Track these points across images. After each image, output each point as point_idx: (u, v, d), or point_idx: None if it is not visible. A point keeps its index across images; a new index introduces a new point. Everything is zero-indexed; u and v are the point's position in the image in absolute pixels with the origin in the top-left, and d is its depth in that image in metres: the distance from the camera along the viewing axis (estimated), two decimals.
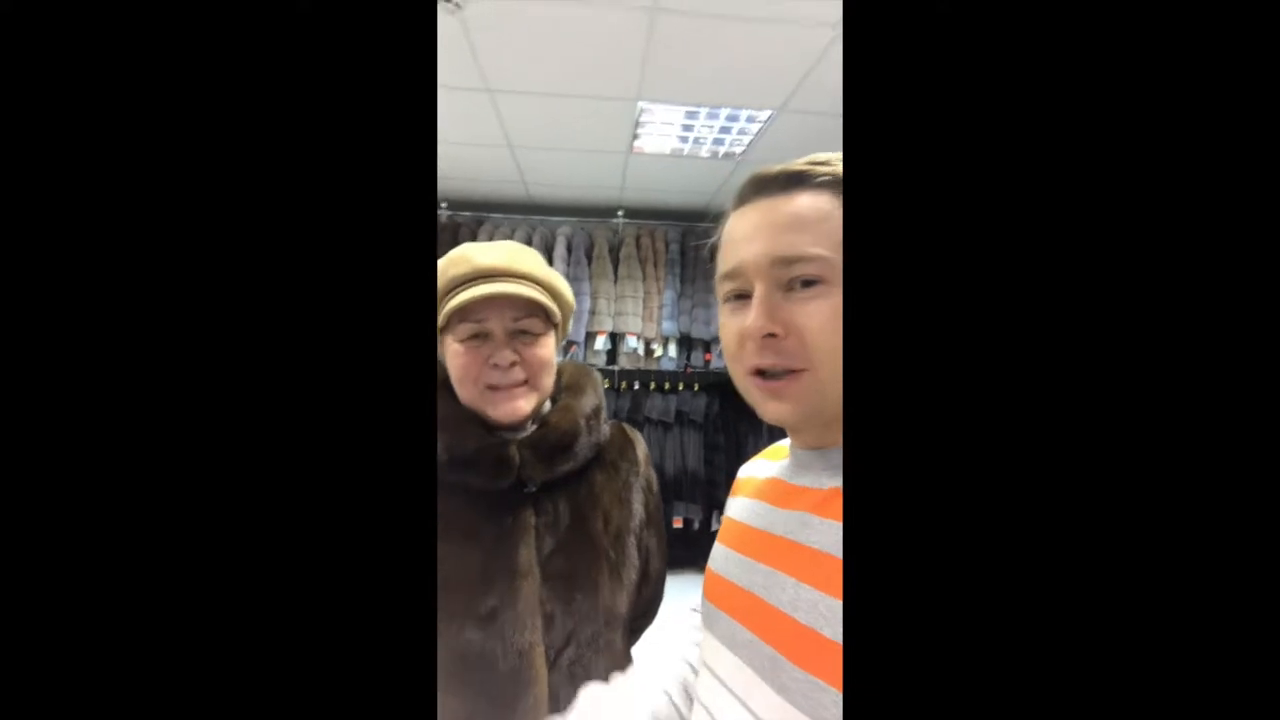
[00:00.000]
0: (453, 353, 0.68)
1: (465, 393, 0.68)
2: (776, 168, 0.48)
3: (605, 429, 0.77)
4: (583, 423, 0.73)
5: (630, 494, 0.76)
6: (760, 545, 0.50)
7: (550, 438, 0.70)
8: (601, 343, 3.47)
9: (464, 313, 0.66)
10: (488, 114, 2.54)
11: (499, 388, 0.67)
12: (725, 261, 0.49)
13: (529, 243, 3.51)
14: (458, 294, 0.66)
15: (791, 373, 0.45)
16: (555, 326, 0.73)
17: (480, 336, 0.67)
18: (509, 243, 0.72)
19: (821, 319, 0.43)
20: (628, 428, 0.82)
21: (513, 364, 0.67)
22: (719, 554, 0.56)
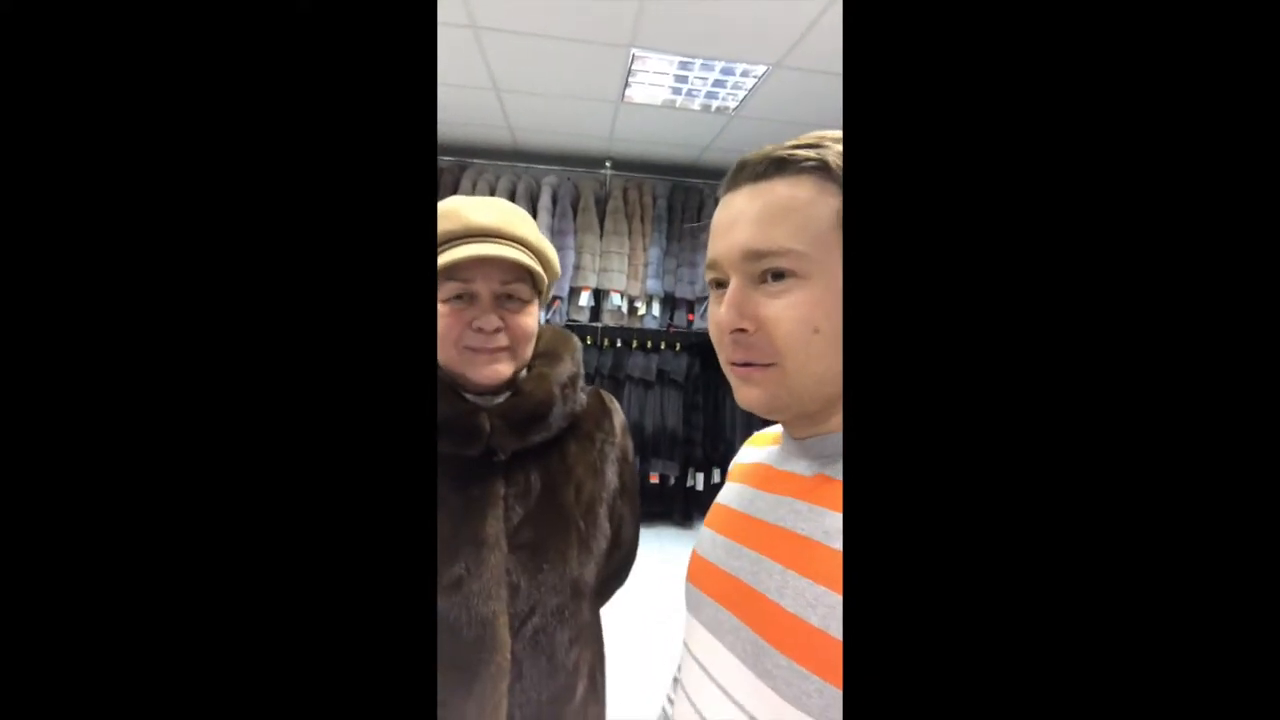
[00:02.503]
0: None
1: (443, 354, 0.66)
2: (762, 152, 0.46)
3: (582, 397, 0.75)
4: (557, 391, 0.71)
5: (604, 464, 0.75)
6: (747, 530, 0.50)
7: (523, 407, 0.68)
8: (585, 298, 3.45)
9: (451, 271, 0.63)
10: (473, 53, 2.42)
11: (480, 350, 0.65)
12: (709, 250, 0.48)
13: (513, 191, 3.43)
14: (446, 251, 0.63)
15: (761, 363, 0.45)
16: (539, 294, 0.71)
17: (465, 298, 0.65)
18: (501, 201, 0.69)
19: (789, 314, 0.43)
20: (606, 396, 0.80)
21: (497, 329, 0.65)
22: (705, 538, 0.56)
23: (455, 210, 0.65)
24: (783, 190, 0.44)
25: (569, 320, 3.48)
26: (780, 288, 0.43)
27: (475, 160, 3.54)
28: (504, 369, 0.67)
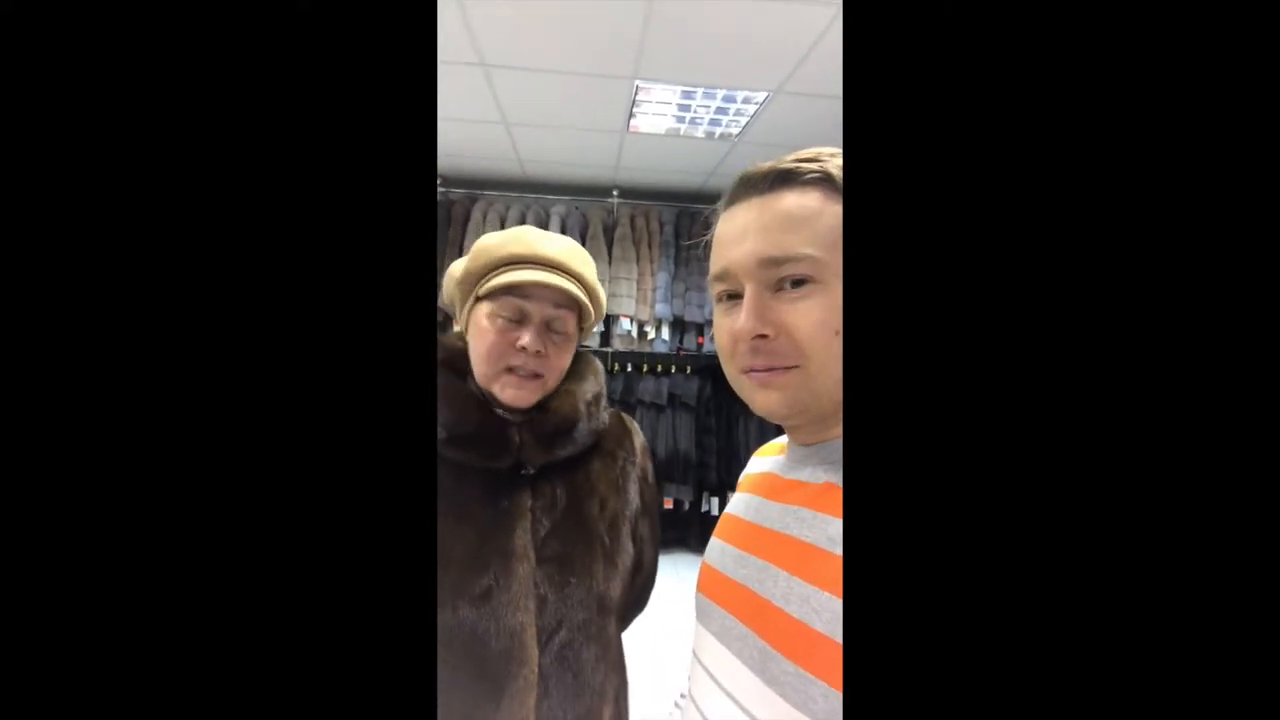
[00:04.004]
0: (481, 329, 0.69)
1: (483, 370, 0.69)
2: (764, 166, 0.47)
3: (604, 416, 0.78)
4: (583, 409, 0.73)
5: (626, 482, 0.77)
6: (754, 538, 0.50)
7: (551, 422, 0.71)
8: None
9: (512, 289, 0.67)
10: (482, 89, 2.50)
11: (516, 370, 0.68)
12: (715, 262, 0.49)
13: (523, 221, 3.48)
14: (511, 271, 0.67)
15: (783, 366, 0.46)
16: (583, 332, 0.75)
17: (516, 320, 0.68)
18: (570, 240, 0.74)
19: (812, 318, 0.44)
20: (626, 418, 0.83)
21: (538, 352, 0.68)
22: (714, 548, 0.57)
23: (525, 237, 0.70)
24: (792, 200, 0.45)
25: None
26: (799, 293, 0.45)
27: (486, 192, 3.61)
28: (530, 395, 0.69)
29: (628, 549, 0.74)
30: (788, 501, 0.48)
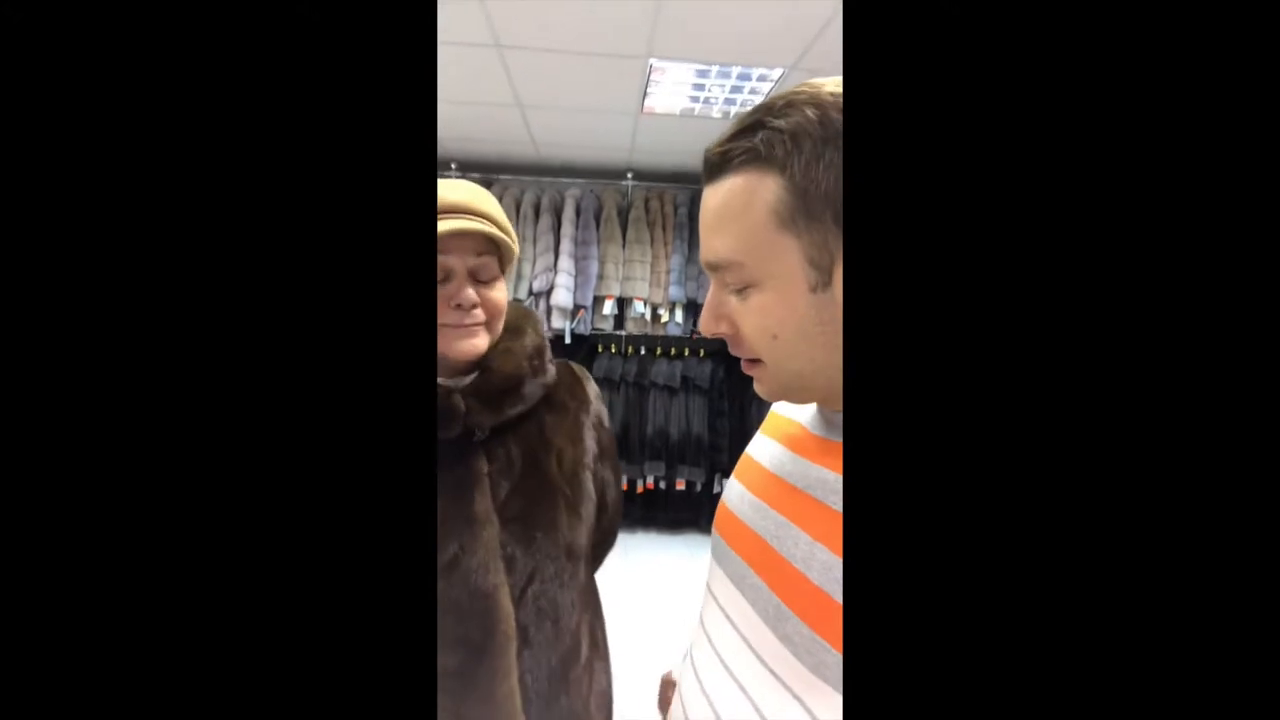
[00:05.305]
0: None
1: None
2: (713, 145, 0.43)
3: (551, 369, 0.77)
4: (526, 365, 0.73)
5: (582, 431, 0.78)
6: (778, 492, 0.49)
7: (494, 382, 0.70)
8: (609, 307, 3.48)
9: None
10: (497, 71, 2.49)
11: (457, 326, 0.66)
12: None
13: (538, 204, 3.49)
14: None
15: (749, 360, 0.47)
16: (504, 271, 0.73)
17: (441, 280, 0.66)
18: (468, 183, 0.70)
19: (750, 320, 0.44)
20: (575, 366, 0.82)
21: (474, 305, 0.67)
22: (734, 490, 0.56)
23: None
24: (723, 191, 0.43)
25: (594, 329, 3.51)
26: (743, 294, 0.44)
27: (501, 175, 3.61)
28: (480, 343, 0.68)
29: (590, 495, 0.75)
30: (817, 461, 0.47)
